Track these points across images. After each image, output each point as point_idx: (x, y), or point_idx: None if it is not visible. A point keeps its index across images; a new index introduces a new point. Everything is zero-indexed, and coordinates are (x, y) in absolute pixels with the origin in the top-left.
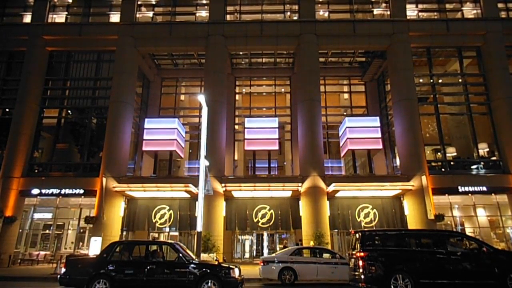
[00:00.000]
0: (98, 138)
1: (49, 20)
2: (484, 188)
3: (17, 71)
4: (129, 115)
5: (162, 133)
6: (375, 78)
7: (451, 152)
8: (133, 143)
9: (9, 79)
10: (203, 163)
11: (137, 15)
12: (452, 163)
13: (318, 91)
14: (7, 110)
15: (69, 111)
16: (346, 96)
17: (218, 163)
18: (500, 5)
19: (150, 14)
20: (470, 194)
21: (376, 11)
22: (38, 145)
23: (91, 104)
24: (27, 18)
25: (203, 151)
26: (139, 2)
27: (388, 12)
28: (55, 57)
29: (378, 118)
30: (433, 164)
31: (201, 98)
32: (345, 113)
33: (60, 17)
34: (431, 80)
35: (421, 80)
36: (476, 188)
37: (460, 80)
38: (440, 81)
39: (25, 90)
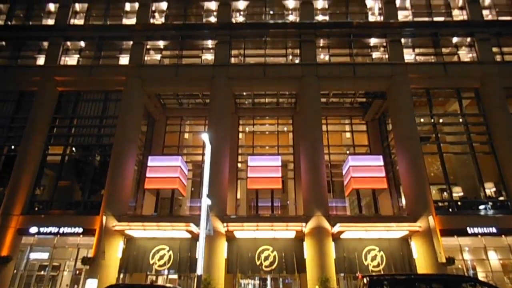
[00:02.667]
0: (100, 176)
1: (61, 62)
2: (494, 230)
3: (26, 109)
4: (132, 153)
5: (165, 171)
6: (376, 117)
7: (457, 191)
8: (135, 180)
9: (18, 117)
10: (205, 201)
11: (145, 58)
12: (459, 203)
13: (320, 131)
14: (12, 147)
15: (74, 149)
16: (348, 135)
17: (220, 202)
18: (494, 49)
19: (158, 57)
20: (479, 236)
21: (375, 55)
22: (40, 182)
23: (96, 142)
24: (41, 60)
25: (205, 190)
26: (147, 46)
27: (387, 56)
28: (64, 96)
29: (381, 157)
30: (439, 204)
31: (205, 137)
32: (347, 152)
33: (72, 59)
34: (432, 120)
35: (422, 120)
36: (486, 230)
37: (460, 120)
38: (441, 121)
39: (32, 127)
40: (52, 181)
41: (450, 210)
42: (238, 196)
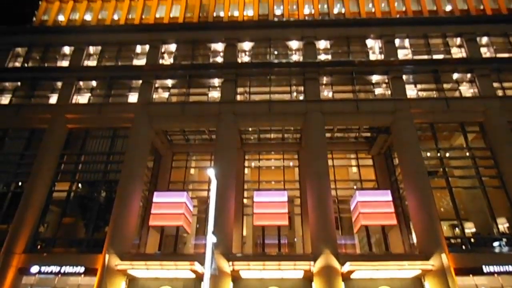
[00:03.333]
0: (105, 212)
1: (73, 101)
2: (510, 268)
3: (35, 146)
4: (138, 189)
5: (170, 207)
6: (382, 152)
7: (469, 227)
8: (140, 217)
9: (27, 154)
10: (210, 239)
11: (153, 96)
12: (472, 240)
13: (326, 165)
14: (20, 184)
15: (80, 185)
16: (354, 169)
17: (226, 239)
18: (495, 85)
19: (166, 95)
20: (496, 275)
21: (377, 91)
22: (45, 220)
23: (102, 178)
24: (53, 99)
25: (210, 226)
26: (156, 85)
27: (389, 92)
28: (74, 133)
29: (389, 192)
30: (452, 241)
31: (211, 172)
32: (355, 187)
33: (83, 98)
34: (439, 154)
35: (428, 154)
36: (502, 268)
37: (467, 154)
38: (447, 154)
39: (40, 164)
40: (57, 217)
41: (463, 247)
42: (244, 233)
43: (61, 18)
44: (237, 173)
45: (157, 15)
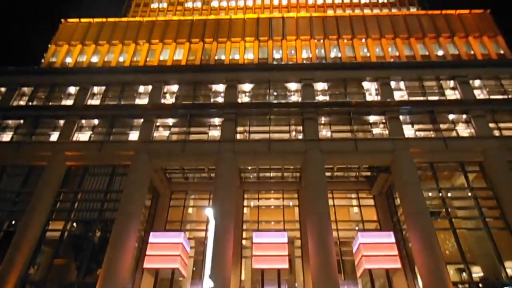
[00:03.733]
0: (98, 253)
1: (74, 138)
2: None
3: (33, 184)
4: (134, 229)
5: (166, 248)
6: (384, 191)
7: (476, 272)
8: (134, 258)
9: (23, 191)
10: (207, 284)
11: (154, 134)
12: (480, 285)
13: (326, 205)
14: (13, 222)
15: (74, 224)
16: (356, 209)
17: (223, 284)
18: (492, 125)
19: (166, 133)
20: None
21: (375, 131)
22: (35, 261)
23: (98, 217)
24: (54, 137)
25: (207, 270)
26: (157, 123)
27: (387, 132)
28: (72, 170)
29: (392, 233)
30: (459, 286)
31: (209, 212)
32: (356, 228)
33: (84, 135)
34: (440, 194)
35: (430, 194)
36: None
37: (469, 194)
38: (449, 194)
39: (36, 202)
40: (48, 258)
41: None
42: (243, 277)
43: (68, 60)
44: (236, 212)
45: (161, 58)
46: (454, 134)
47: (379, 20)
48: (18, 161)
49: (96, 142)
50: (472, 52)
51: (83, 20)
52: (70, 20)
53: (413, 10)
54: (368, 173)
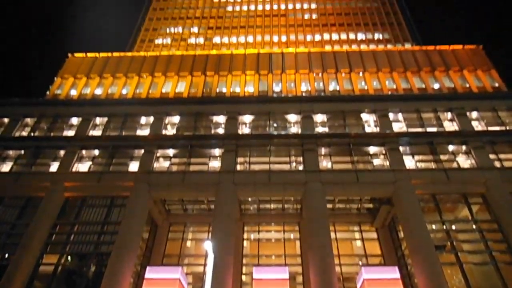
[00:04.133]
0: None
1: (73, 169)
2: None
3: (29, 215)
4: (130, 263)
5: (162, 284)
6: (386, 224)
7: None
8: None
9: (19, 223)
10: None
11: (154, 165)
12: None
13: (328, 238)
14: (6, 256)
15: (69, 257)
16: (359, 243)
17: None
18: (492, 156)
19: (167, 164)
20: None
21: (376, 162)
22: None
23: (93, 250)
24: (54, 167)
25: None
26: (157, 154)
27: (388, 163)
28: (70, 201)
29: (396, 268)
30: None
31: (208, 246)
32: (360, 263)
33: (84, 166)
34: (444, 227)
35: (434, 227)
36: None
37: (474, 227)
38: (454, 227)
39: (31, 234)
40: None
41: None
42: None
43: (73, 92)
44: (236, 246)
45: (163, 90)
46: (455, 165)
47: (376, 55)
48: (17, 192)
49: (96, 172)
50: (467, 85)
51: (89, 54)
52: (76, 54)
53: (407, 46)
54: (370, 205)
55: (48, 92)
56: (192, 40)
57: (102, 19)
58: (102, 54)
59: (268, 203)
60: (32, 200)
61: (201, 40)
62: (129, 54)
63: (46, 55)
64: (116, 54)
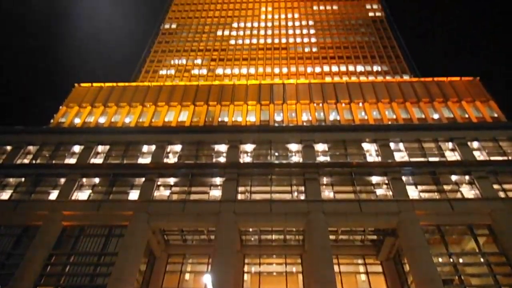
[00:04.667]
0: None
1: (72, 197)
2: None
3: (25, 245)
4: None
5: None
6: (391, 256)
7: None
8: None
9: (15, 253)
10: None
11: (155, 194)
12: None
13: (332, 272)
14: None
15: None
16: (363, 277)
17: None
18: (496, 186)
19: (167, 192)
20: None
21: (379, 192)
22: None
23: (89, 283)
24: (53, 195)
25: None
26: (158, 183)
27: (391, 193)
28: (67, 230)
29: None
30: None
31: (207, 279)
32: None
33: (83, 194)
34: (451, 260)
35: (440, 260)
36: None
37: (482, 260)
38: (461, 260)
39: (26, 265)
40: None
41: None
42: None
43: (77, 120)
44: (236, 279)
45: (166, 119)
46: (459, 195)
47: (375, 86)
48: (14, 221)
49: (95, 201)
50: (466, 116)
51: (95, 84)
52: (83, 84)
53: (406, 77)
54: (374, 237)
55: (52, 120)
56: (195, 71)
57: (110, 50)
58: (107, 84)
59: (270, 233)
60: (29, 229)
61: (204, 71)
62: (133, 84)
63: (53, 84)
64: (120, 84)
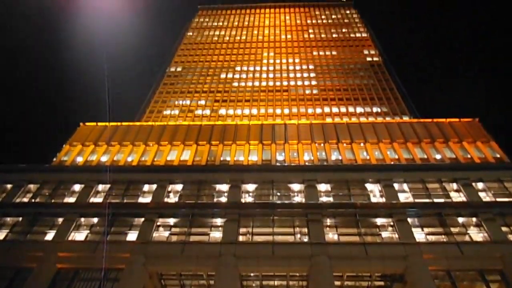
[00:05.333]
0: None
1: (69, 238)
2: None
3: None
4: None
5: None
6: None
7: None
8: None
9: None
10: None
11: (153, 235)
12: None
13: None
14: None
15: None
16: None
17: None
18: (504, 229)
19: (166, 234)
20: None
21: (384, 234)
22: None
23: None
24: (49, 236)
25: None
26: (158, 223)
27: (397, 235)
28: (61, 273)
29: None
30: None
31: None
32: None
33: (80, 235)
34: None
35: None
36: None
37: None
38: None
39: None
40: None
41: None
42: None
43: (79, 159)
44: None
45: (168, 158)
46: (467, 238)
47: (375, 127)
48: (7, 262)
49: (92, 242)
50: (469, 156)
51: (99, 123)
52: (87, 123)
53: (405, 118)
54: (382, 283)
55: (55, 159)
56: (199, 112)
57: (117, 90)
58: (112, 123)
59: (272, 279)
60: (22, 271)
61: (207, 112)
62: (137, 123)
63: (59, 122)
64: (125, 123)
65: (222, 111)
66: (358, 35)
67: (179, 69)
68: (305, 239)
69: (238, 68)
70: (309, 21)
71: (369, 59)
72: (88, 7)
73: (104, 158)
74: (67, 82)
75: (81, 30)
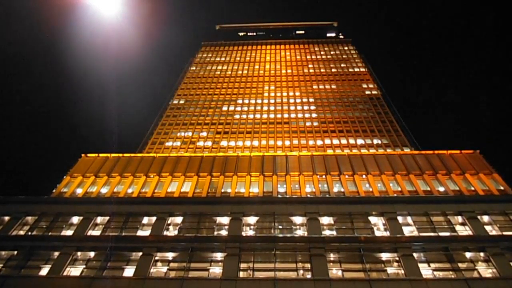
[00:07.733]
0: None
1: (64, 273)
2: None
3: None
4: None
5: None
6: None
7: None
8: None
9: None
10: None
11: (151, 270)
12: None
13: None
14: None
15: None
16: None
17: None
18: None
19: (164, 269)
20: None
21: (390, 270)
22: None
23: None
24: (44, 271)
25: None
26: (156, 258)
27: (403, 271)
28: None
29: None
30: None
31: None
32: None
33: (76, 270)
34: None
35: None
36: None
37: None
38: None
39: None
40: None
41: None
42: None
43: (79, 190)
44: None
45: (169, 190)
46: (476, 274)
47: (377, 159)
48: None
49: (87, 278)
50: (472, 188)
51: (101, 155)
52: (89, 155)
53: (406, 150)
54: None
55: (54, 190)
56: (200, 144)
57: (118, 121)
58: (113, 155)
59: None
60: None
61: (209, 143)
62: (139, 155)
63: (61, 154)
64: (126, 155)
65: (224, 143)
66: (356, 69)
67: (181, 101)
68: (308, 275)
69: (239, 101)
70: (308, 57)
71: (367, 92)
72: (97, 42)
73: (104, 190)
74: (69, 111)
75: (87, 63)
